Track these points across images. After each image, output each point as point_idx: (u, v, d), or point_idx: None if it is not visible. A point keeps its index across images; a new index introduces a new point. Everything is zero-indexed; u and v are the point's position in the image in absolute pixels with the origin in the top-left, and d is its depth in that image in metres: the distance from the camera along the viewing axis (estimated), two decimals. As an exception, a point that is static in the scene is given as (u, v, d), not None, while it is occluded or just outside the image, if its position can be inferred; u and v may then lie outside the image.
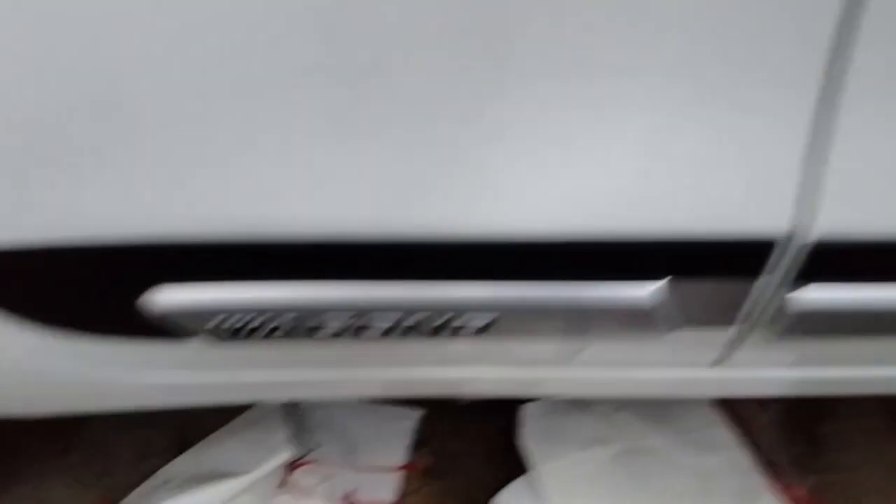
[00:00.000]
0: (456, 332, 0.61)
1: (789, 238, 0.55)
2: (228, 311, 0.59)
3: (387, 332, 0.61)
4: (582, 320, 0.61)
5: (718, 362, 0.72)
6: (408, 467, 1.15)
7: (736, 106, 0.50)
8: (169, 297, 0.58)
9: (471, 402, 1.23)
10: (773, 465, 1.13)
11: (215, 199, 0.53)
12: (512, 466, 1.11)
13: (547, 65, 0.48)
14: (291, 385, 0.75)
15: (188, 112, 0.49)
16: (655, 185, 0.53)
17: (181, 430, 1.18)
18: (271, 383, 0.73)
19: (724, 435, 1.18)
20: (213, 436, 1.16)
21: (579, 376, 0.73)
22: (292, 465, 1.12)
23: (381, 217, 0.54)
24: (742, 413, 1.21)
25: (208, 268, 0.57)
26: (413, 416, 1.22)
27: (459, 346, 0.66)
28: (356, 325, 0.60)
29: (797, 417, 1.20)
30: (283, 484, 1.10)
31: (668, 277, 0.58)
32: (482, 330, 0.61)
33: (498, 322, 0.60)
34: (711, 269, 0.58)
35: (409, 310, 0.59)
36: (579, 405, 1.21)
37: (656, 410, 1.20)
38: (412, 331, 0.61)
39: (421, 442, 1.19)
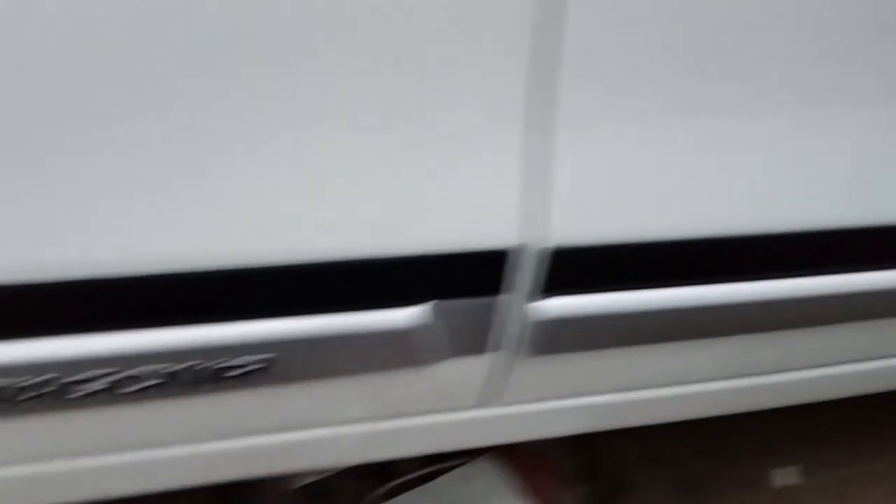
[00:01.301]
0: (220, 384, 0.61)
1: (521, 250, 0.62)
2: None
3: (152, 387, 0.60)
4: (342, 353, 0.63)
5: (486, 400, 0.75)
6: None
7: (447, 125, 0.58)
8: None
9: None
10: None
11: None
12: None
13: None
14: (77, 478, 0.69)
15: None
16: (388, 206, 0.59)
17: None
18: (50, 476, 0.67)
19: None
20: None
21: (354, 434, 0.74)
22: None
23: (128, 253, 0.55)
24: (551, 498, 1.25)
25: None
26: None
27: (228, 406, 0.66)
28: (114, 379, 0.58)
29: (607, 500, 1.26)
30: None
31: (420, 301, 0.63)
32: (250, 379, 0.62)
33: (265, 371, 0.62)
34: (454, 289, 0.63)
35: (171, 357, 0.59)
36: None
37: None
38: (176, 383, 0.60)
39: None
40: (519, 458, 1.34)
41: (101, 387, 0.59)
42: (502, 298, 0.65)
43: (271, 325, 0.60)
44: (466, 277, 0.63)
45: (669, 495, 1.22)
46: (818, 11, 0.65)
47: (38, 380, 0.57)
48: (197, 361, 0.60)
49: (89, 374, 0.58)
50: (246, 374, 0.61)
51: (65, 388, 0.58)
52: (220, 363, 0.60)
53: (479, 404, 0.76)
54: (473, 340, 0.67)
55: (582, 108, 0.61)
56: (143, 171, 0.53)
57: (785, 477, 1.23)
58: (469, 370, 0.70)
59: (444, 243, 0.61)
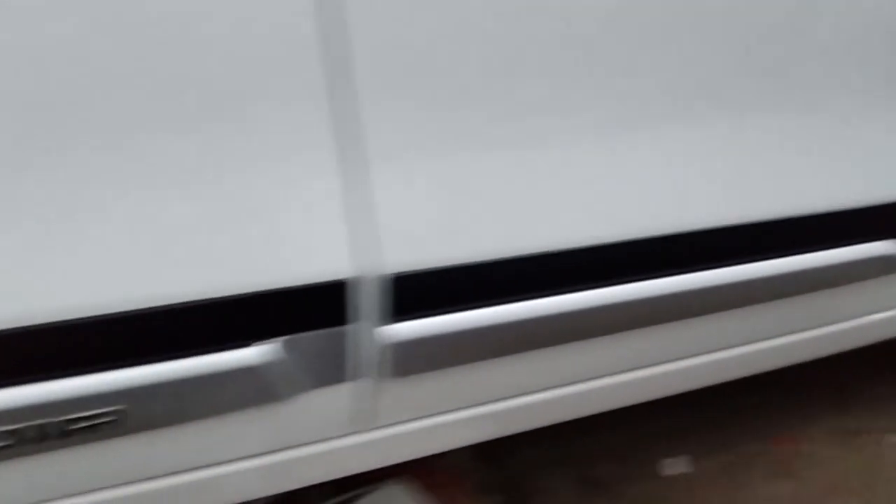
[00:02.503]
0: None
1: (358, 279, 0.65)
2: None
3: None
4: (198, 396, 0.64)
5: (360, 425, 0.77)
6: None
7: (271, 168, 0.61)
8: None
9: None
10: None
11: None
12: None
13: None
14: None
15: None
16: (227, 248, 0.61)
17: None
18: None
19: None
20: None
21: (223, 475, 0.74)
22: None
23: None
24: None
25: None
26: None
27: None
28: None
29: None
30: None
31: (270, 338, 0.64)
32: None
33: (125, 418, 0.62)
34: (301, 323, 0.65)
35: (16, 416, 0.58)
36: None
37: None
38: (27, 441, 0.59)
39: None
40: (428, 476, 1.36)
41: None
42: (350, 328, 0.67)
43: (120, 375, 0.60)
44: (311, 311, 0.65)
45: (572, 496, 1.25)
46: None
47: None
48: (46, 419, 0.59)
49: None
50: (96, 426, 0.61)
51: None
52: (67, 417, 0.60)
53: (354, 430, 0.77)
54: (330, 370, 0.69)
55: (390, 139, 0.65)
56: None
57: (675, 466, 1.28)
58: (333, 399, 0.72)
59: (285, 280, 0.63)
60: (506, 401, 0.85)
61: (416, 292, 0.68)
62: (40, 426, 0.59)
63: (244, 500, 0.98)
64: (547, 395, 0.87)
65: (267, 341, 0.64)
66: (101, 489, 0.69)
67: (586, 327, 0.79)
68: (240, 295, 0.62)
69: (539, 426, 0.94)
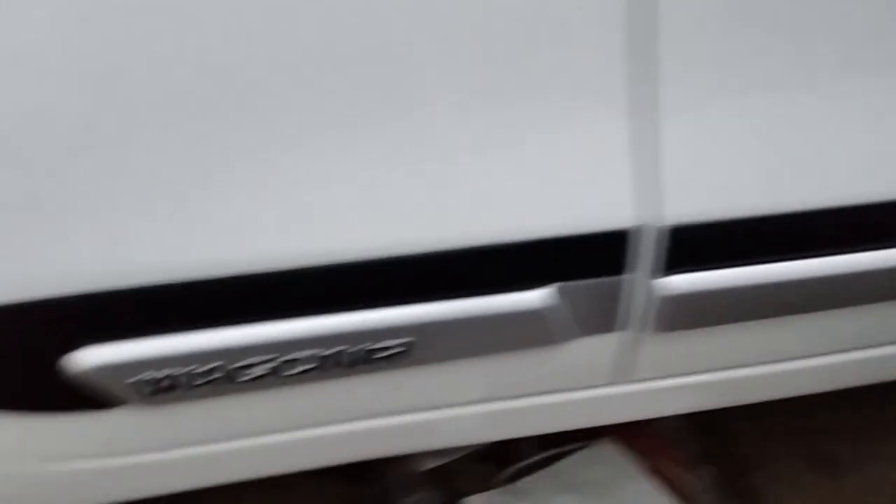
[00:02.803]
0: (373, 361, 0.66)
1: (639, 229, 0.65)
2: (145, 365, 0.62)
3: (309, 370, 0.65)
4: (478, 334, 0.67)
5: (617, 377, 0.78)
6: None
7: (557, 111, 0.61)
8: (88, 355, 0.61)
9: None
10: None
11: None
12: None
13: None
14: (231, 459, 0.76)
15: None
16: (511, 194, 0.63)
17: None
18: (204, 458, 0.74)
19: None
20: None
21: (490, 412, 0.78)
22: None
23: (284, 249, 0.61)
24: (676, 479, 1.25)
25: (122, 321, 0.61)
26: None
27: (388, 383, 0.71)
28: (276, 364, 0.64)
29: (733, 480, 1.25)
30: None
31: (548, 283, 0.66)
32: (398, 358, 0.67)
33: (411, 350, 0.66)
34: (579, 270, 0.66)
35: (324, 342, 0.64)
36: (517, 493, 1.24)
37: (596, 489, 1.25)
38: (329, 365, 0.65)
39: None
40: (642, 440, 1.35)
41: (263, 372, 0.65)
42: (626, 278, 0.67)
43: (412, 310, 0.65)
44: (590, 259, 0.66)
45: (800, 472, 1.20)
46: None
47: (207, 367, 0.64)
48: (347, 346, 0.65)
49: (252, 360, 0.64)
50: (390, 356, 0.66)
51: (232, 374, 0.64)
52: (366, 347, 0.65)
53: (611, 381, 0.78)
54: (601, 319, 0.70)
55: (684, 85, 0.63)
56: (287, 170, 0.59)
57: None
58: (600, 348, 0.73)
59: (566, 227, 0.64)
60: (757, 366, 0.82)
61: (694, 245, 0.67)
62: (350, 353, 0.65)
63: (478, 442, 1.03)
64: (800, 364, 0.84)
65: (546, 286, 0.66)
66: (380, 416, 0.76)
67: (872, 291, 0.74)
68: (523, 240, 0.64)
69: (787, 396, 0.90)
